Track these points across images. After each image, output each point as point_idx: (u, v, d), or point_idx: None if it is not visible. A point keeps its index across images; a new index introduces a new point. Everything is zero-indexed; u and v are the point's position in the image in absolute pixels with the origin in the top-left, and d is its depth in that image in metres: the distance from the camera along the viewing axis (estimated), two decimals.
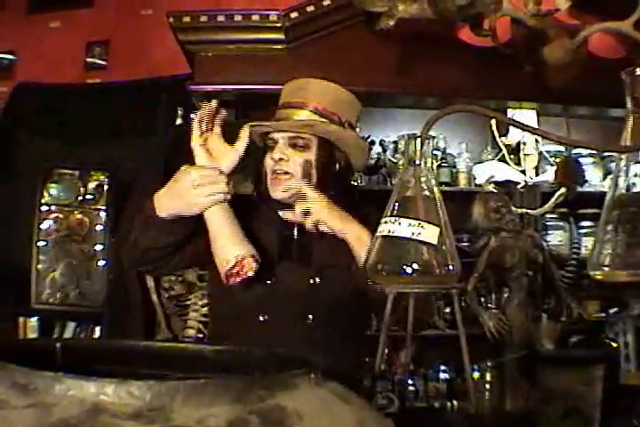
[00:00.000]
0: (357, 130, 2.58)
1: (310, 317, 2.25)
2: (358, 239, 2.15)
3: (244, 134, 2.16)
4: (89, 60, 5.31)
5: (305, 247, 2.33)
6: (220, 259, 2.08)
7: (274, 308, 2.26)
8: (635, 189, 1.27)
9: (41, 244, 4.74)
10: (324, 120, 2.33)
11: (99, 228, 4.80)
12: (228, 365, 0.89)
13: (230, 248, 2.07)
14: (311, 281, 2.28)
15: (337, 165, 2.38)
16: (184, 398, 0.60)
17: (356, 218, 2.28)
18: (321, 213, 2.16)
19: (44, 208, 4.75)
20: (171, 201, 2.07)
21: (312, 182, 2.29)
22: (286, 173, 2.29)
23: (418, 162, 1.34)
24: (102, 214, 4.79)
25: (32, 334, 4.58)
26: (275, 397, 0.63)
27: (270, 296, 2.27)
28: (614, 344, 3.19)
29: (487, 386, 1.76)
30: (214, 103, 2.15)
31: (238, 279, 2.05)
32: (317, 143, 2.31)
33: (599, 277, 1.27)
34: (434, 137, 4.75)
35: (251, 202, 2.39)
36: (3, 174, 4.96)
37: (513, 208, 2.07)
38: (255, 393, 0.62)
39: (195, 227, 2.15)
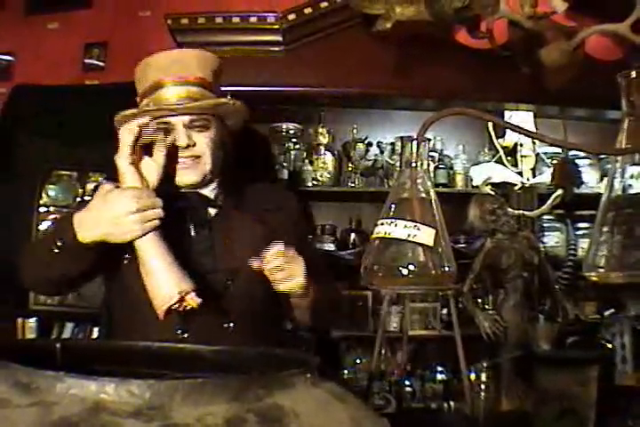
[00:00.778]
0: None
1: (231, 325, 2.09)
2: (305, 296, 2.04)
3: (160, 143, 1.97)
4: (87, 61, 5.30)
5: (209, 250, 2.14)
6: (158, 296, 1.83)
7: (191, 321, 2.00)
8: (630, 191, 1.27)
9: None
10: (211, 94, 2.14)
11: None
12: (226, 365, 0.90)
13: (171, 284, 1.82)
14: (225, 286, 2.11)
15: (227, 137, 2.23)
16: (183, 397, 0.61)
17: (252, 195, 2.26)
18: (299, 271, 1.97)
19: (42, 209, 4.74)
20: (97, 227, 1.82)
21: (220, 162, 2.16)
22: (196, 156, 2.10)
23: (414, 164, 1.35)
24: None
25: (31, 335, 4.57)
26: (272, 396, 0.64)
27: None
28: (609, 345, 3.20)
29: (483, 387, 1.77)
30: (147, 119, 1.92)
31: (178, 311, 1.86)
32: (215, 119, 2.14)
33: (595, 278, 1.28)
34: (430, 139, 4.75)
35: None
36: (1, 175, 4.97)
37: (509, 210, 2.08)
38: (253, 392, 0.63)
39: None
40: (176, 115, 2.09)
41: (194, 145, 2.09)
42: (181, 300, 1.82)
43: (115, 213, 1.80)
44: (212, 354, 0.92)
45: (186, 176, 2.11)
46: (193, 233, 2.15)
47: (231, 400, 0.62)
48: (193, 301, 1.82)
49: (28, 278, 2.13)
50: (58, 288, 2.20)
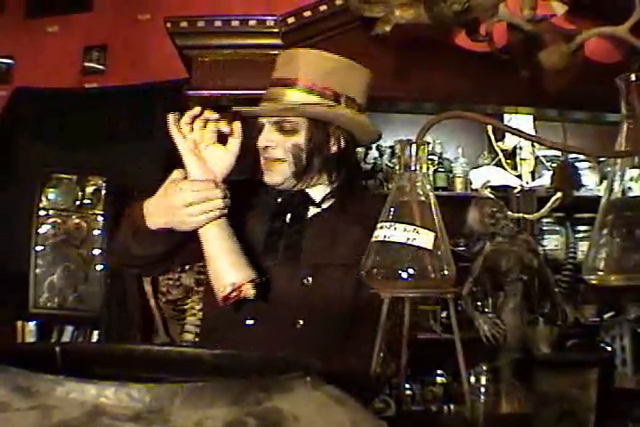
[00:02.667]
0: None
1: (300, 322, 2.07)
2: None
3: (237, 132, 1.97)
4: (86, 64, 5.31)
5: (297, 242, 2.14)
6: (216, 283, 1.92)
7: (261, 311, 2.06)
8: (630, 194, 1.27)
9: (39, 248, 4.74)
10: (313, 99, 2.11)
11: (96, 232, 4.80)
12: (226, 368, 0.90)
13: (227, 274, 1.89)
14: (304, 281, 2.10)
15: (335, 146, 2.19)
16: (182, 401, 0.61)
17: (360, 203, 2.19)
18: None
19: (42, 213, 4.75)
20: (161, 216, 1.90)
21: (303, 167, 2.14)
22: (277, 159, 2.13)
23: (413, 167, 1.35)
24: (100, 219, 4.79)
25: (30, 339, 4.58)
26: (271, 399, 0.64)
27: (258, 298, 2.02)
28: (609, 348, 3.21)
29: (483, 389, 1.77)
30: (197, 110, 1.95)
31: (233, 301, 1.92)
32: (307, 125, 2.13)
33: (594, 281, 1.28)
34: (429, 142, 4.76)
35: (243, 188, 2.14)
36: (1, 178, 4.97)
37: (509, 213, 2.08)
38: (252, 396, 0.63)
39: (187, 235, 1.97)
40: (260, 115, 2.16)
41: (274, 147, 2.13)
42: (238, 289, 1.87)
43: (171, 204, 1.87)
44: (212, 358, 0.93)
45: (267, 176, 2.16)
46: (287, 227, 2.17)
47: (231, 404, 0.62)
48: (247, 292, 1.87)
49: (114, 256, 2.25)
50: (143, 268, 2.23)
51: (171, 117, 1.95)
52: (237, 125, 1.98)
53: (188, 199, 1.85)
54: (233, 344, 1.97)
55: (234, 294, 1.88)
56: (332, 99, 2.15)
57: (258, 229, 2.16)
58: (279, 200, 2.22)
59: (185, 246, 2.04)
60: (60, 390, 0.63)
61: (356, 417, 0.69)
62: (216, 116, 1.98)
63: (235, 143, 1.97)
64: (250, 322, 2.09)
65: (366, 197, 2.32)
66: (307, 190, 2.22)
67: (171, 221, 1.89)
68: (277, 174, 2.14)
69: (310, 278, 2.11)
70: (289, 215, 2.20)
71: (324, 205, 2.21)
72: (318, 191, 2.22)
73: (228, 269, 1.89)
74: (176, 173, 1.93)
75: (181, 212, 1.85)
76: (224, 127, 1.97)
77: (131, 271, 2.49)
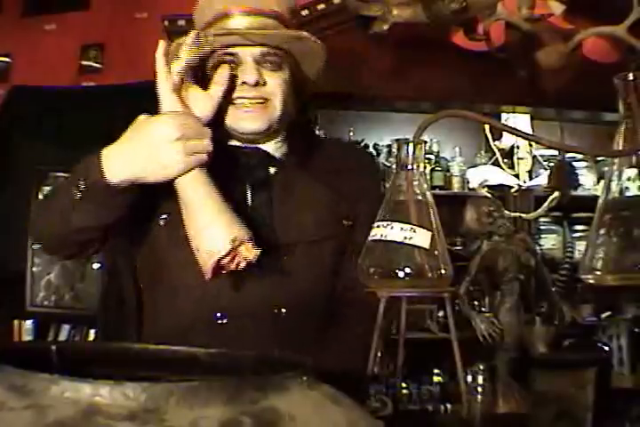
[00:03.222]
0: None
1: (282, 310, 1.75)
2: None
3: (222, 75, 1.66)
4: (84, 63, 5.30)
5: (273, 215, 1.78)
6: (206, 245, 1.49)
7: (233, 301, 1.72)
8: (627, 193, 1.27)
9: (36, 246, 4.74)
10: (285, 28, 1.77)
11: None
12: (221, 367, 0.90)
13: (223, 230, 1.48)
14: (281, 260, 1.75)
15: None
16: (177, 400, 0.61)
17: (319, 154, 1.89)
18: None
19: None
20: (131, 161, 1.49)
21: (290, 111, 1.81)
22: (264, 100, 1.74)
23: (410, 166, 1.35)
24: None
25: (27, 337, 4.59)
26: (267, 399, 0.64)
27: (228, 286, 1.70)
28: (606, 348, 3.22)
29: (479, 389, 1.77)
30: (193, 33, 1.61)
31: (229, 269, 1.52)
32: (287, 59, 1.77)
33: (591, 281, 1.28)
34: (426, 141, 4.77)
35: None
36: None
37: (506, 212, 2.09)
38: (248, 395, 0.63)
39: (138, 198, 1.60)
40: (245, 44, 1.71)
41: (264, 84, 1.73)
42: (234, 254, 1.48)
43: (152, 141, 1.48)
44: (207, 357, 0.93)
45: (249, 122, 1.75)
46: (249, 197, 1.79)
47: (226, 403, 0.62)
48: (249, 251, 1.48)
49: (37, 233, 1.79)
50: (69, 248, 1.76)
51: (161, 45, 1.59)
52: (225, 70, 1.67)
53: (174, 133, 1.47)
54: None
55: (228, 258, 1.48)
56: (285, 25, 1.78)
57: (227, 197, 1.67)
58: (241, 161, 1.82)
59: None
60: (54, 389, 0.63)
61: (352, 417, 0.69)
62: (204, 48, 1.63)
63: (217, 90, 1.64)
64: (219, 317, 1.74)
65: (324, 146, 1.99)
66: (259, 145, 1.85)
67: (145, 168, 1.49)
68: (263, 119, 1.75)
69: (285, 258, 1.76)
70: (249, 182, 1.81)
71: (282, 161, 1.86)
72: (274, 146, 1.86)
73: (224, 226, 1.49)
74: (143, 116, 1.57)
75: (165, 148, 1.47)
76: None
77: (51, 253, 1.96)
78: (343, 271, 1.85)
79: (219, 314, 1.74)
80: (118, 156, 1.51)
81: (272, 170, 1.84)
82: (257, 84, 1.72)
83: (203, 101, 1.61)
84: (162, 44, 1.59)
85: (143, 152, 1.48)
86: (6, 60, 5.37)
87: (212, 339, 1.67)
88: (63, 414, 0.61)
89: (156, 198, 1.69)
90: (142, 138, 1.49)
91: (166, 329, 1.79)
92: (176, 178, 1.51)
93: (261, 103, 1.74)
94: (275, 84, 1.74)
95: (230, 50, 1.72)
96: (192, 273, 1.62)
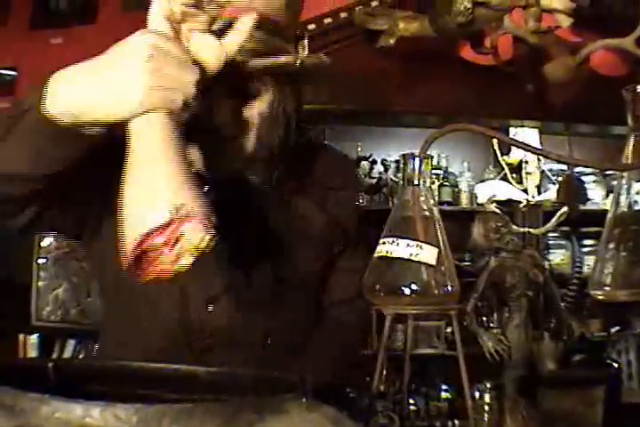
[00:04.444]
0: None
1: (269, 341, 1.57)
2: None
3: (245, 23, 1.18)
4: None
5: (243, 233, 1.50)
6: (134, 212, 1.00)
7: (217, 333, 1.53)
8: (636, 207, 1.26)
9: (41, 261, 4.75)
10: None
11: None
12: (221, 386, 0.88)
13: (162, 195, 0.98)
14: (273, 288, 1.56)
15: None
16: (171, 422, 0.59)
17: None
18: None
19: None
20: (79, 87, 1.08)
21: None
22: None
23: (417, 182, 1.33)
24: None
25: (32, 352, 4.59)
26: (264, 421, 0.62)
27: (214, 314, 1.52)
28: (615, 364, 3.21)
29: (487, 407, 1.76)
30: None
31: (162, 262, 0.99)
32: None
33: (600, 296, 1.26)
34: (432, 156, 4.77)
35: None
36: None
37: (514, 227, 2.07)
38: (245, 417, 0.62)
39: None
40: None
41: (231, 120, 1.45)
42: (173, 233, 0.98)
43: (112, 62, 1.08)
44: (207, 375, 0.91)
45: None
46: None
47: (222, 425, 0.60)
48: (196, 235, 0.98)
49: None
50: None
51: None
52: (250, 19, 1.19)
53: (143, 53, 1.07)
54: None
55: (163, 237, 0.97)
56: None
57: None
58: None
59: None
60: (45, 409, 0.62)
61: None
62: None
63: (235, 40, 1.18)
64: (200, 346, 1.53)
65: (315, 165, 1.75)
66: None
67: (92, 98, 1.07)
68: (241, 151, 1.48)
69: (271, 290, 1.57)
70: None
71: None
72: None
73: (169, 188, 0.99)
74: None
75: (136, 66, 1.05)
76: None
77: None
78: (332, 290, 1.75)
79: (198, 342, 1.53)
80: (67, 79, 1.11)
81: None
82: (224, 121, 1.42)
83: (210, 50, 1.16)
84: None
85: (98, 74, 1.07)
86: (12, 73, 5.39)
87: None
88: None
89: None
90: (104, 57, 1.10)
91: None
92: (129, 120, 1.05)
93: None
94: (247, 117, 1.46)
95: None
96: (173, 308, 1.50)
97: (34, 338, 4.61)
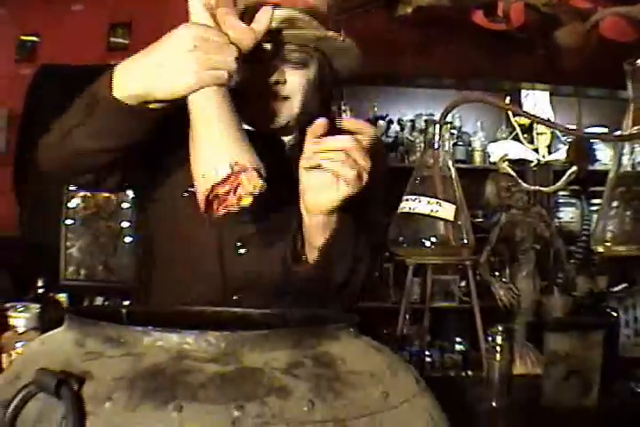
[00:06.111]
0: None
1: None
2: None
3: (265, 16, 1.34)
4: (112, 41, 5.36)
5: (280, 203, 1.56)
6: (201, 169, 1.26)
7: (248, 280, 1.64)
8: (639, 168, 1.33)
9: (69, 222, 4.86)
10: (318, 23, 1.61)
11: (125, 205, 4.90)
12: (275, 326, 1.01)
13: (222, 152, 1.25)
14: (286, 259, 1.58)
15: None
16: (251, 346, 0.73)
17: None
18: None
19: (71, 187, 4.85)
20: (141, 74, 1.29)
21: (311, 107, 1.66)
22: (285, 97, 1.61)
23: (436, 145, 1.45)
24: (129, 192, 4.87)
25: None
26: (322, 345, 0.77)
27: (243, 263, 1.64)
28: (614, 313, 3.29)
29: (498, 349, 1.86)
30: None
31: (228, 205, 1.26)
32: (315, 56, 1.65)
33: (601, 251, 1.36)
34: (451, 122, 4.85)
35: None
36: (29, 155, 5.05)
37: (525, 185, 2.18)
38: (307, 342, 0.76)
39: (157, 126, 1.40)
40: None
41: (284, 83, 1.61)
42: (233, 183, 1.24)
43: (165, 51, 1.27)
44: (261, 317, 1.04)
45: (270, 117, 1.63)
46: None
47: (291, 348, 0.74)
48: (252, 182, 1.23)
49: (42, 156, 1.56)
50: (74, 174, 1.57)
51: None
52: (267, 13, 1.37)
53: (189, 42, 1.25)
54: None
55: (227, 186, 1.24)
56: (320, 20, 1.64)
57: None
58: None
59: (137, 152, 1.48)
60: (146, 339, 0.74)
61: (391, 361, 0.82)
62: None
63: (261, 25, 1.35)
64: (235, 295, 1.65)
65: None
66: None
67: (153, 82, 1.28)
68: (279, 116, 1.65)
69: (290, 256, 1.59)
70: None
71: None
72: (287, 140, 1.76)
73: (227, 146, 1.25)
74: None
75: (183, 56, 1.25)
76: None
77: (54, 182, 1.75)
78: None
79: (233, 289, 1.64)
80: (130, 69, 1.31)
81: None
82: (277, 84, 1.60)
83: (242, 33, 1.32)
84: None
85: (154, 63, 1.27)
86: (34, 39, 5.44)
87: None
88: (157, 359, 0.72)
89: (182, 171, 1.49)
90: (157, 49, 1.27)
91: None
92: (187, 96, 1.27)
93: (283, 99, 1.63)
94: (296, 82, 1.62)
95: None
96: (211, 252, 1.63)
97: (63, 296, 4.69)
